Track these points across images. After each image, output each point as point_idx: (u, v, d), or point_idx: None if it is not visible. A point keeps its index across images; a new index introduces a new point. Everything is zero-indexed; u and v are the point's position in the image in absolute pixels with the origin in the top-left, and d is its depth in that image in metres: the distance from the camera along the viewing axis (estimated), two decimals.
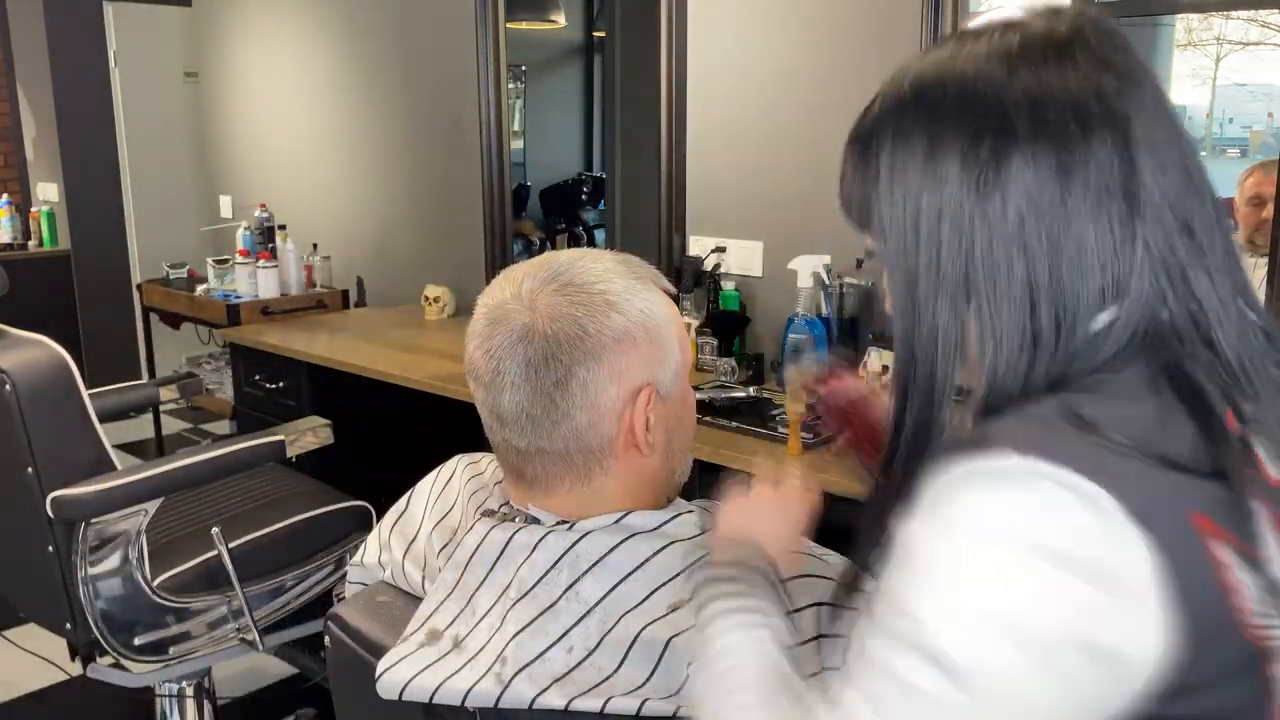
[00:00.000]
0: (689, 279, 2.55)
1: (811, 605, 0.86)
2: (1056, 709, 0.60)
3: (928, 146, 0.69)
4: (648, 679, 0.84)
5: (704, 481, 1.92)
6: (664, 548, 0.90)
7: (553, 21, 4.07)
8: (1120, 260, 0.66)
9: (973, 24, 0.72)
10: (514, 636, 0.88)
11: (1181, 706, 0.61)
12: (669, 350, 0.94)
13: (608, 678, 0.85)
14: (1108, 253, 0.66)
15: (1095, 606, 0.58)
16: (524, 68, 4.59)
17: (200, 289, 3.79)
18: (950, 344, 0.70)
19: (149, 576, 1.87)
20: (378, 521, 1.12)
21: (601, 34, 4.46)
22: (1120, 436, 0.60)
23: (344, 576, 1.14)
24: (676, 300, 1.00)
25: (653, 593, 0.88)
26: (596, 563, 0.89)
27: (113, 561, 1.83)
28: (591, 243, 4.52)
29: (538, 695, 0.85)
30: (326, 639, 1.04)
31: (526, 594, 0.89)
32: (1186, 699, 0.60)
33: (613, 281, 0.92)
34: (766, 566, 0.82)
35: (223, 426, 4.68)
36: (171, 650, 1.91)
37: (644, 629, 0.86)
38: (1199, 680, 0.60)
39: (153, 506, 1.85)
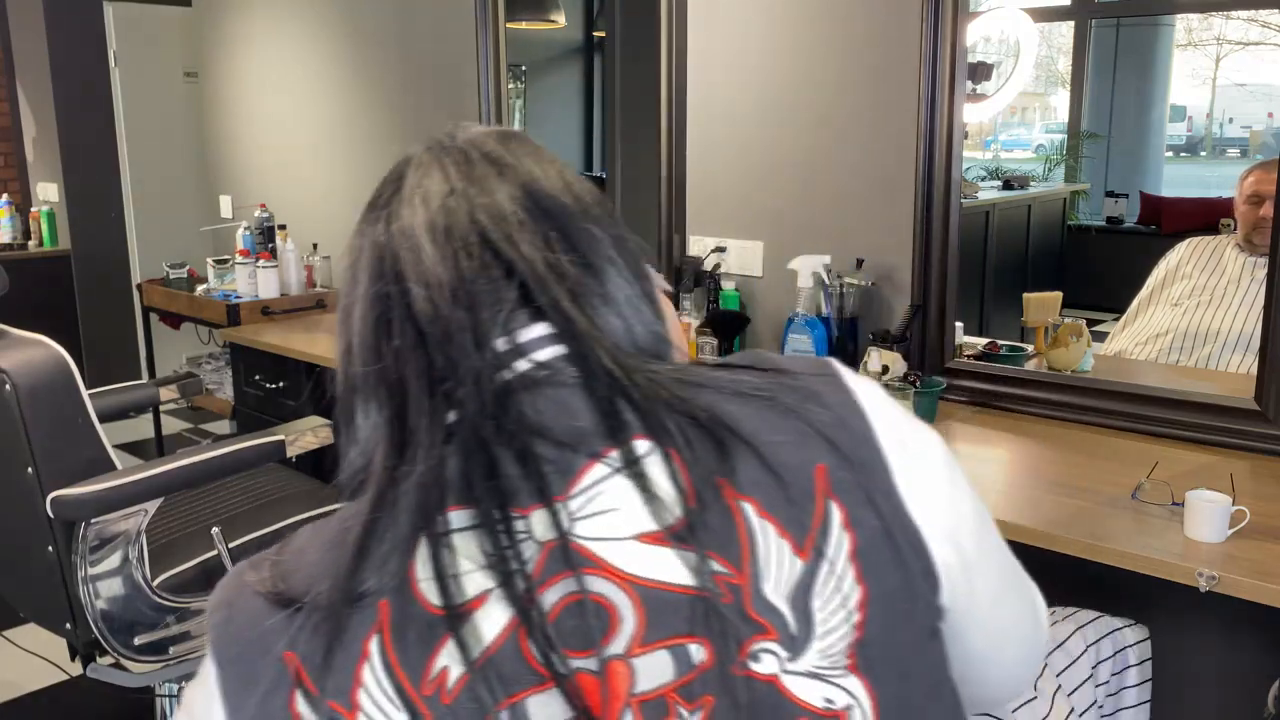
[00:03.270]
0: (689, 279, 2.55)
1: None
2: None
3: None
4: None
5: None
6: None
7: (553, 21, 4.06)
8: (362, 369, 0.64)
9: None
10: None
11: None
12: None
13: None
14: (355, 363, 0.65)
15: None
16: (524, 68, 4.58)
17: (200, 289, 3.79)
18: None
19: (149, 576, 1.87)
20: None
21: (601, 34, 4.46)
22: (275, 573, 0.57)
23: None
24: (675, 300, 1.00)
25: None
26: None
27: (113, 561, 1.82)
28: None
29: None
30: None
31: None
32: None
33: None
34: None
35: (223, 426, 4.68)
36: (171, 650, 1.91)
37: None
38: None
39: (153, 506, 1.85)
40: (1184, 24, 2.44)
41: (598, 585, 0.52)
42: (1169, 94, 2.65)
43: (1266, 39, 2.20)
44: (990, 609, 0.64)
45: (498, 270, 0.60)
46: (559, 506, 0.54)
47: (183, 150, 5.01)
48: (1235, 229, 2.21)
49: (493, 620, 0.52)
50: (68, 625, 1.86)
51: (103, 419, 1.88)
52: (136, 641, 1.87)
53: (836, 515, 0.56)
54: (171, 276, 3.99)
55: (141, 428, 4.51)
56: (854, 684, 0.54)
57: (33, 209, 5.05)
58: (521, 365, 0.59)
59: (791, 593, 0.54)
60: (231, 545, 1.93)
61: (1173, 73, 2.46)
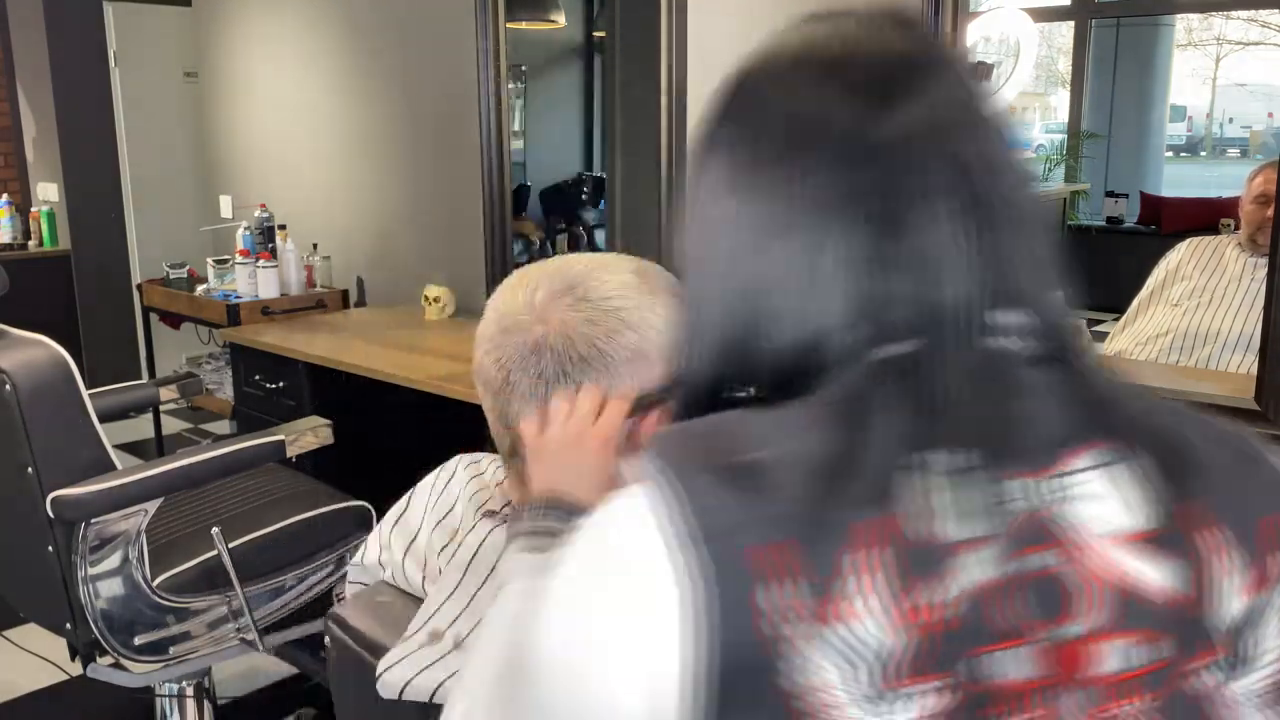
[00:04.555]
0: None
1: None
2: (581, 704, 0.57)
3: (704, 145, 0.67)
4: None
5: None
6: None
7: (553, 21, 4.06)
8: (820, 274, 0.60)
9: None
10: None
11: None
12: None
13: None
14: (809, 264, 0.60)
15: (618, 616, 0.55)
16: (524, 68, 4.58)
17: (200, 289, 3.79)
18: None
19: (149, 576, 1.87)
20: (378, 521, 1.12)
21: (601, 34, 4.46)
22: (721, 451, 0.56)
23: (344, 576, 1.14)
24: None
25: None
26: None
27: (113, 561, 1.82)
28: (591, 242, 4.52)
29: None
30: (326, 639, 1.04)
31: None
32: None
33: (628, 298, 0.91)
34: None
35: (223, 426, 4.67)
36: (171, 650, 1.91)
37: None
38: None
39: (153, 506, 1.85)
40: (1184, 24, 2.44)
41: (1070, 565, 0.55)
42: (1169, 94, 2.65)
43: (1266, 39, 2.20)
44: None
45: (989, 247, 0.60)
46: (1044, 482, 0.56)
47: (183, 150, 5.01)
48: (1235, 228, 2.21)
49: (970, 572, 0.53)
50: (68, 625, 1.86)
51: (103, 419, 1.89)
52: (136, 641, 1.87)
53: (1278, 568, 0.59)
54: (171, 276, 3.99)
55: (141, 428, 4.51)
56: (1271, 718, 0.58)
57: (33, 209, 5.05)
58: (1001, 341, 0.60)
59: (1237, 622, 0.57)
60: (231, 545, 1.93)
61: (1173, 73, 2.46)
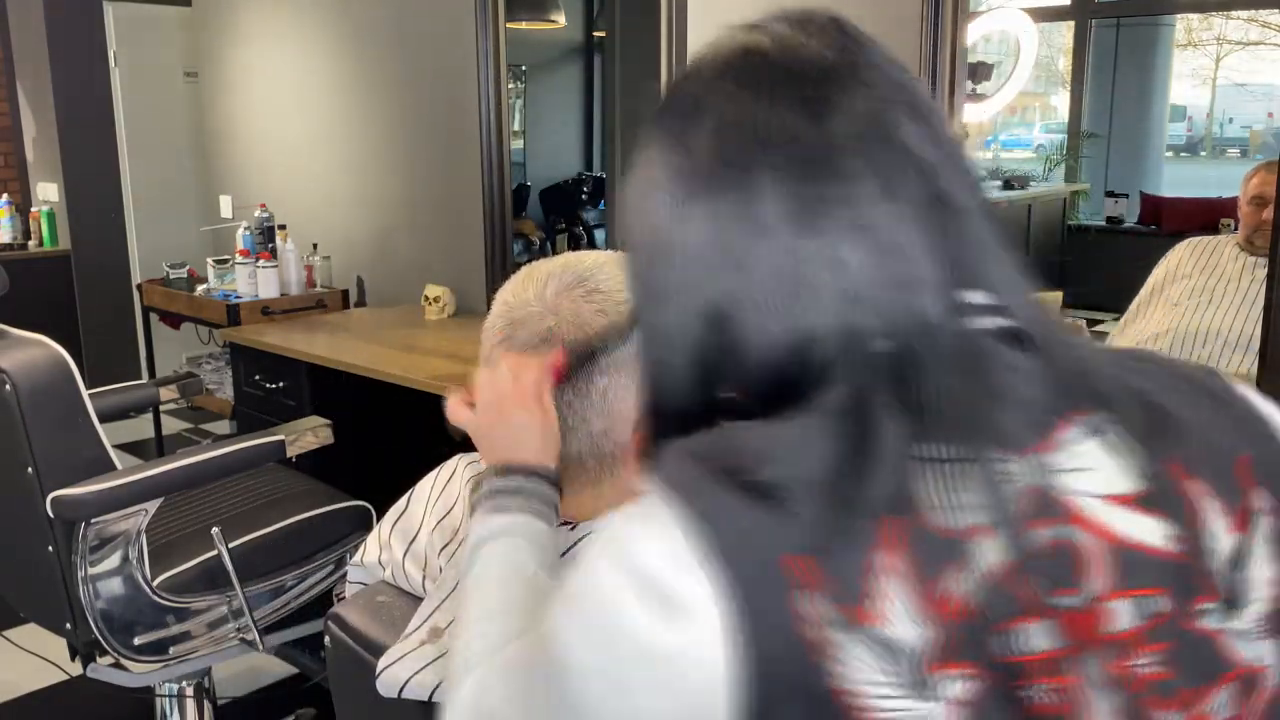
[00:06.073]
0: None
1: None
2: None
3: (648, 160, 0.66)
4: None
5: None
6: None
7: (553, 21, 4.07)
8: (801, 282, 0.60)
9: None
10: None
11: None
12: None
13: None
14: (787, 273, 0.60)
15: (654, 631, 0.55)
16: (524, 68, 4.59)
17: (200, 289, 3.79)
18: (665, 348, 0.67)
19: (149, 576, 1.87)
20: (378, 521, 1.12)
21: (601, 34, 4.46)
22: (734, 469, 0.56)
23: (344, 576, 1.14)
24: None
25: None
26: None
27: (113, 561, 1.83)
28: (591, 242, 4.53)
29: None
30: (326, 639, 1.04)
31: None
32: None
33: None
34: (545, 488, 0.85)
35: (223, 426, 4.68)
36: (171, 650, 1.91)
37: None
38: None
39: (153, 506, 1.85)
40: (1184, 24, 2.44)
41: (1077, 535, 0.57)
42: (1169, 94, 2.65)
43: (1266, 39, 2.21)
44: None
45: (952, 235, 0.61)
46: (1041, 457, 0.58)
47: (183, 150, 5.02)
48: (1235, 229, 2.21)
49: (986, 556, 0.55)
50: (68, 625, 1.86)
51: (103, 419, 1.89)
52: (136, 641, 1.87)
53: (1261, 501, 0.62)
54: (171, 276, 3.99)
55: (141, 428, 4.51)
56: (1269, 648, 0.61)
57: (33, 209, 5.05)
58: (976, 322, 0.61)
59: (1229, 563, 0.60)
60: (231, 545, 1.93)
61: (1173, 73, 2.46)
